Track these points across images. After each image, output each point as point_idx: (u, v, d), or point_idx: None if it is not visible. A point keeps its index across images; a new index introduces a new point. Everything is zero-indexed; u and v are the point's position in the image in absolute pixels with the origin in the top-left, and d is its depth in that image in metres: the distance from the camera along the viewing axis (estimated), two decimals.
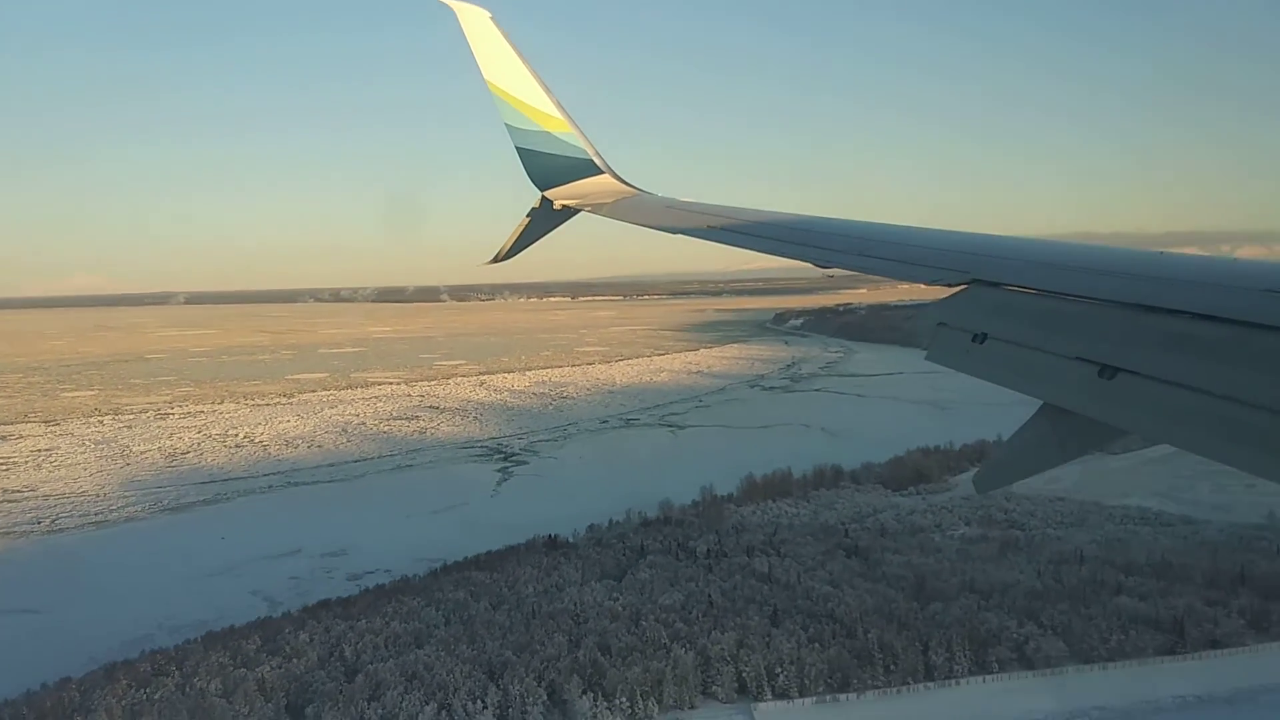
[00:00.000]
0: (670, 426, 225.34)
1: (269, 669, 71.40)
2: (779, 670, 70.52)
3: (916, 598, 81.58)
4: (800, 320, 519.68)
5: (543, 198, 19.79)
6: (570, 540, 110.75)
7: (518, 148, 19.50)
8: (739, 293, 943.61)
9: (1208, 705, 70.53)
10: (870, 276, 12.14)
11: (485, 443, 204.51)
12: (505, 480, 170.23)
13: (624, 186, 19.66)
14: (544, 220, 19.86)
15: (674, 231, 16.40)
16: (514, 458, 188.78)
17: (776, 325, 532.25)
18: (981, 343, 9.14)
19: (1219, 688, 71.97)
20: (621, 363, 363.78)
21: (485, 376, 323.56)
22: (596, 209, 18.83)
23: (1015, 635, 75.22)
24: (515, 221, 20.22)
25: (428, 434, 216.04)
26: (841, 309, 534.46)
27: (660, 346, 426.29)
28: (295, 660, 73.30)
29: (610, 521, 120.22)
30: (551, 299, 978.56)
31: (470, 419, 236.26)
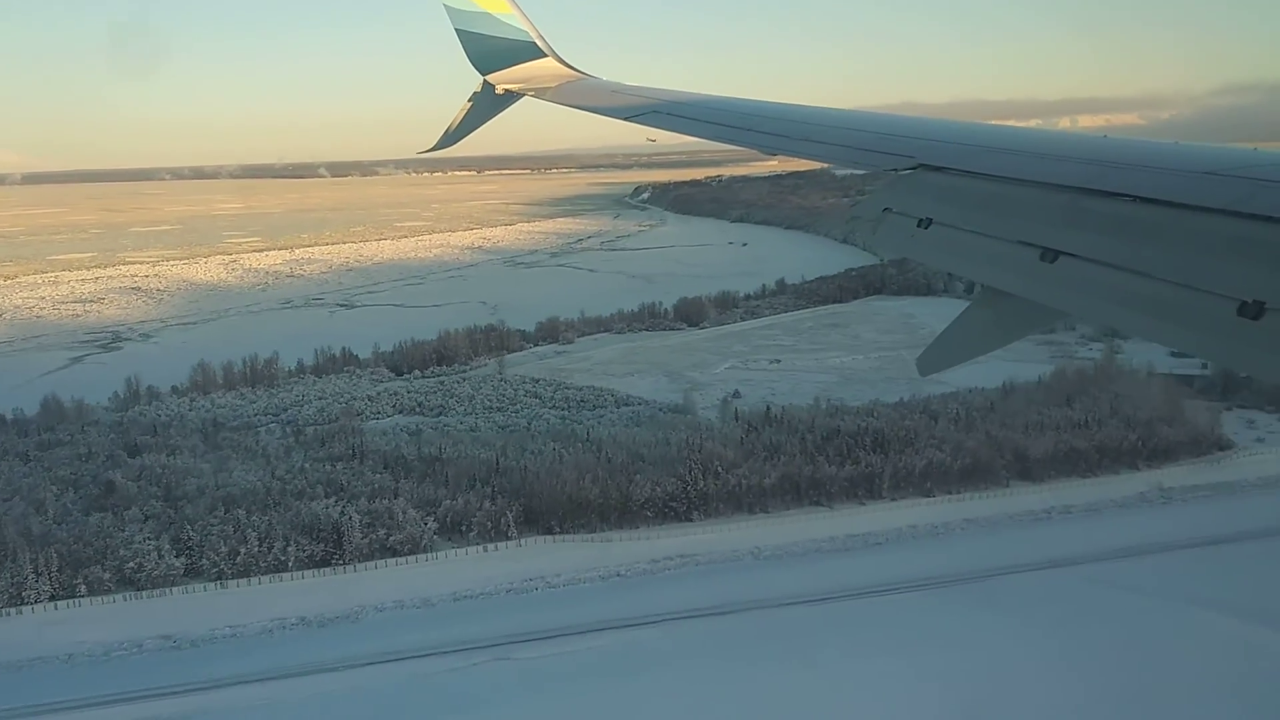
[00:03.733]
0: (345, 306, 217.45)
1: None
2: None
3: None
4: (648, 194, 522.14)
5: (485, 81, 19.46)
6: None
7: (457, 29, 19.19)
8: (653, 165, 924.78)
9: None
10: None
11: (112, 329, 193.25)
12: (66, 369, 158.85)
13: (568, 70, 19.35)
14: (487, 105, 19.60)
15: (618, 116, 16.28)
16: (114, 345, 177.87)
17: (631, 198, 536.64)
18: (926, 228, 9.13)
19: None
20: (421, 238, 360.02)
21: (251, 254, 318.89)
22: (540, 93, 18.59)
23: None
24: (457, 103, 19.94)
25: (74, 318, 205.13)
26: (705, 182, 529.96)
27: (488, 221, 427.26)
28: None
29: None
30: (454, 173, 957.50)
31: (142, 301, 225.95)
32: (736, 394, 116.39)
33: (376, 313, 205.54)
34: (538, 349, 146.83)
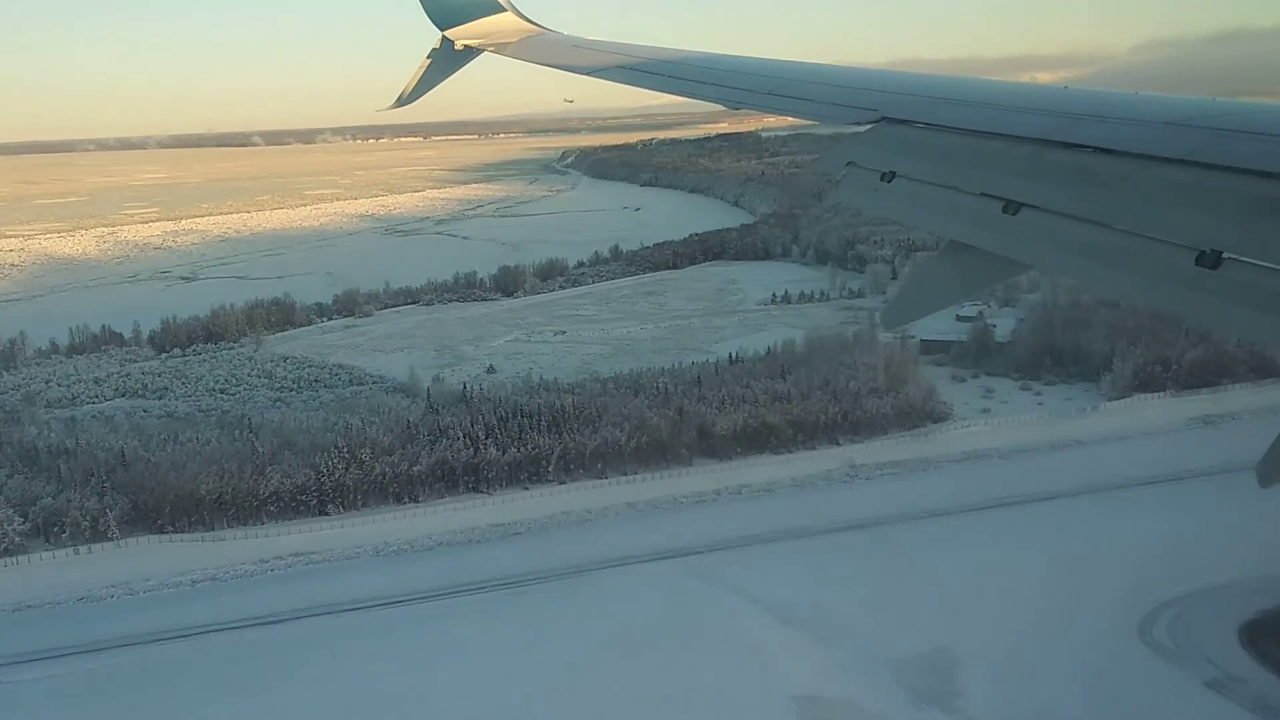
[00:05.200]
0: (188, 279, 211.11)
1: None
2: None
3: None
4: (571, 159, 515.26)
5: (443, 37, 19.05)
6: None
7: None
8: (605, 129, 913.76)
9: None
10: (743, 112, 13.40)
11: None
12: None
13: (528, 25, 18.78)
14: (445, 61, 19.18)
15: (580, 72, 15.86)
16: None
17: (557, 163, 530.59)
18: (890, 181, 9.07)
19: None
20: (320, 206, 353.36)
21: (136, 226, 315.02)
22: (500, 49, 18.13)
23: None
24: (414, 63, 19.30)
25: None
26: (632, 146, 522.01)
27: (400, 188, 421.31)
28: None
29: None
30: (400, 140, 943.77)
31: None
32: (491, 369, 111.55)
33: (213, 286, 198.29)
34: (328, 323, 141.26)
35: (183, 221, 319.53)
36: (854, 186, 9.56)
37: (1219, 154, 6.56)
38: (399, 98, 19.77)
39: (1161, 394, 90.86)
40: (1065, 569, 57.21)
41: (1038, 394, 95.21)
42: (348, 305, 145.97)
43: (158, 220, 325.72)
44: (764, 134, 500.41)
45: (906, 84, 11.03)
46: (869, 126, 10.04)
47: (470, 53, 18.98)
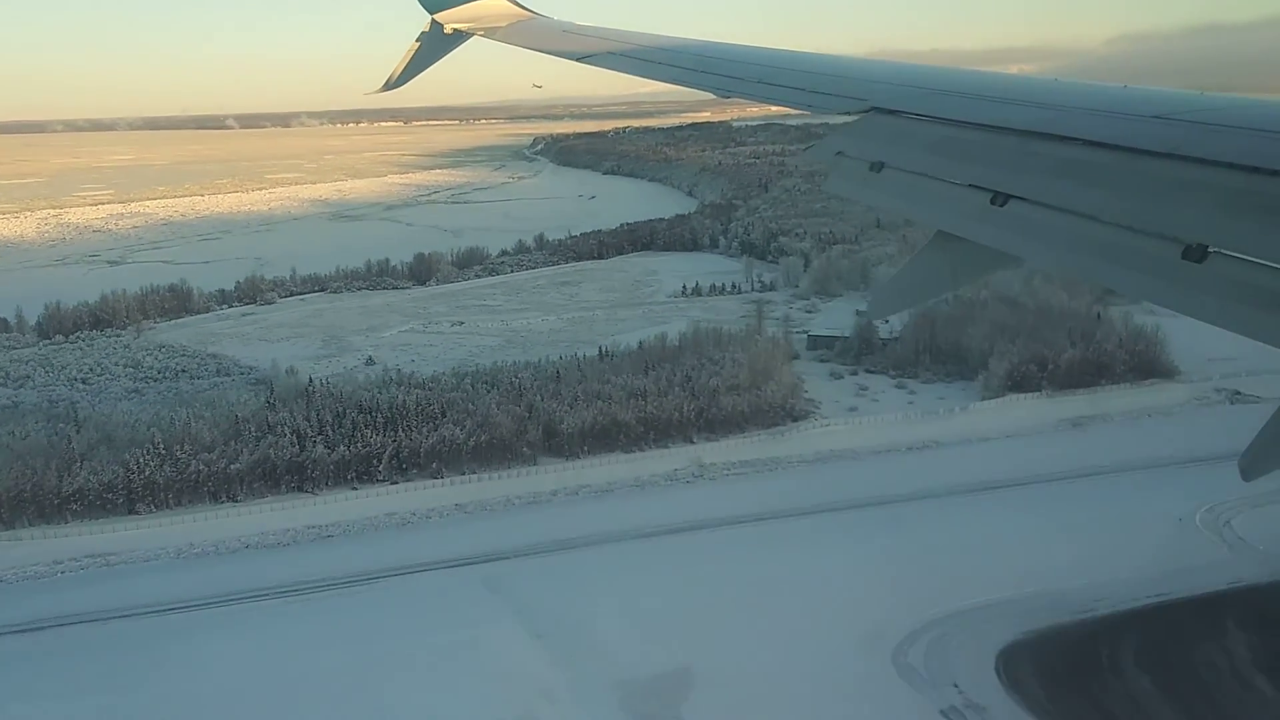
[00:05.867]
0: (115, 263, 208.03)
1: None
2: None
3: None
4: (542, 146, 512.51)
5: (433, 21, 18.97)
6: None
7: None
8: (591, 116, 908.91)
9: None
10: (731, 100, 12.89)
11: None
12: None
13: (518, 9, 18.91)
14: (435, 45, 19.03)
15: (570, 58, 15.79)
16: None
17: (528, 150, 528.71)
18: (879, 171, 9.09)
19: None
20: (277, 190, 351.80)
21: (84, 209, 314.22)
22: (490, 33, 18.07)
23: None
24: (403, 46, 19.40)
25: None
26: (603, 134, 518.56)
27: (364, 173, 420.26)
28: None
29: None
30: (381, 124, 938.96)
31: None
32: (370, 361, 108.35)
33: (137, 270, 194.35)
34: (226, 310, 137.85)
35: (132, 204, 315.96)
36: (843, 176, 9.51)
37: (1206, 148, 6.61)
38: (387, 81, 19.53)
39: (1036, 394, 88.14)
40: (860, 579, 54.42)
41: (912, 393, 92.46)
42: (250, 292, 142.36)
43: (109, 203, 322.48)
44: (735, 124, 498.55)
45: (896, 74, 11.02)
46: (858, 116, 10.00)
47: (459, 37, 18.68)
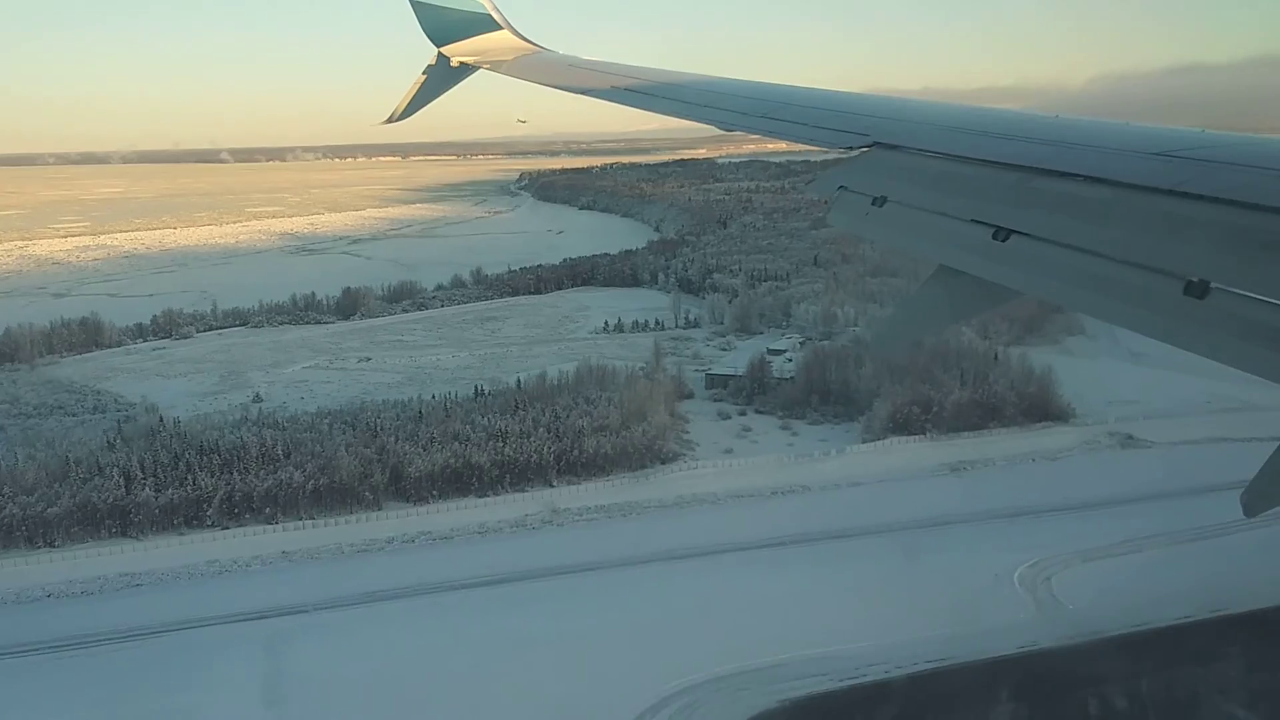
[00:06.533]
0: (60, 295, 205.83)
1: None
2: None
3: None
4: (526, 181, 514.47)
5: (439, 54, 19.19)
6: None
7: (411, 1, 18.64)
8: (587, 152, 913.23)
9: None
10: (730, 135, 12.62)
11: None
12: None
13: (524, 43, 18.97)
14: (441, 78, 19.24)
15: (575, 91, 15.99)
16: None
17: (514, 185, 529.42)
18: (881, 206, 9.12)
19: None
20: (253, 223, 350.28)
21: (51, 240, 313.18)
22: (495, 66, 18.22)
23: None
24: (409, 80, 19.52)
25: None
26: (587, 169, 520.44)
27: (344, 207, 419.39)
28: None
29: None
30: (376, 159, 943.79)
31: None
32: (257, 398, 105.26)
33: (78, 303, 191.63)
34: (138, 345, 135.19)
35: (102, 237, 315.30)
36: (845, 210, 9.53)
37: (1208, 185, 6.62)
38: (393, 114, 19.61)
39: (919, 438, 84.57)
40: (632, 638, 50.76)
41: (795, 434, 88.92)
42: (166, 327, 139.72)
43: (80, 235, 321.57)
44: (720, 160, 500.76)
45: (898, 110, 11.07)
46: (861, 151, 10.05)
47: (465, 70, 18.77)
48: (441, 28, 19.10)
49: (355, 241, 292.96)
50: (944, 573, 55.71)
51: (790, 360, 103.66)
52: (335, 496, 74.74)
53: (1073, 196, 7.45)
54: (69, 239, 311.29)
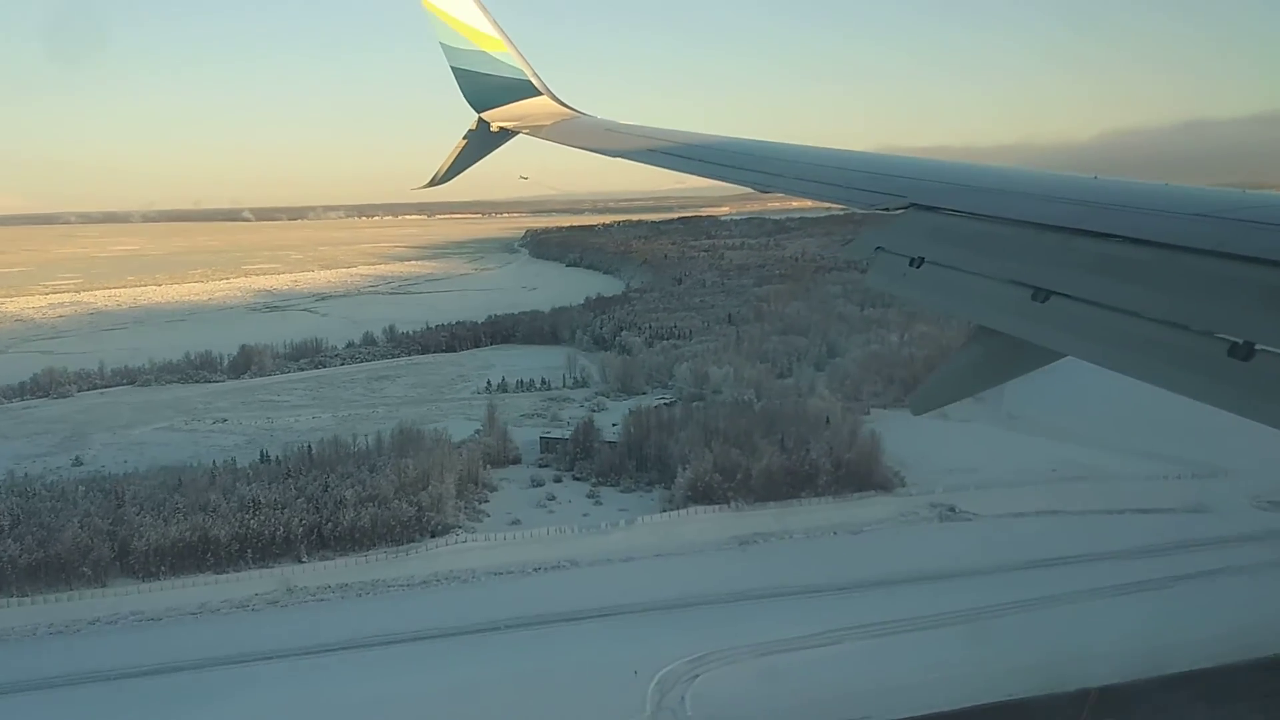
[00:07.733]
0: None
1: None
2: None
3: None
4: (527, 238, 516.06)
5: (480, 119, 19.55)
6: None
7: (453, 68, 19.31)
8: (613, 211, 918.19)
9: None
10: (760, 195, 12.74)
11: None
12: None
13: (563, 108, 19.45)
14: (481, 142, 19.65)
15: (613, 155, 16.41)
16: None
17: (517, 242, 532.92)
18: (919, 267, 9.06)
19: None
20: (240, 280, 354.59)
21: (30, 298, 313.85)
22: (535, 131, 18.73)
23: None
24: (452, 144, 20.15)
25: None
26: (591, 227, 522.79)
27: (340, 264, 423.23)
28: None
29: None
30: (402, 217, 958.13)
31: None
32: (78, 461, 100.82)
33: (7, 361, 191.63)
34: (9, 404, 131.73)
35: (83, 294, 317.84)
36: (883, 271, 9.37)
37: (1250, 245, 6.50)
38: (434, 177, 19.96)
39: (721, 507, 77.14)
40: None
41: (599, 503, 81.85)
42: (46, 386, 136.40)
43: (63, 292, 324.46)
44: (724, 218, 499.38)
45: (934, 171, 11.16)
46: (898, 212, 9.96)
47: (505, 135, 19.13)
48: (482, 93, 19.26)
49: (323, 299, 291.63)
50: (586, 668, 48.64)
51: (615, 425, 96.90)
52: (55, 572, 68.94)
53: (1113, 257, 7.28)
54: (49, 295, 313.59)
